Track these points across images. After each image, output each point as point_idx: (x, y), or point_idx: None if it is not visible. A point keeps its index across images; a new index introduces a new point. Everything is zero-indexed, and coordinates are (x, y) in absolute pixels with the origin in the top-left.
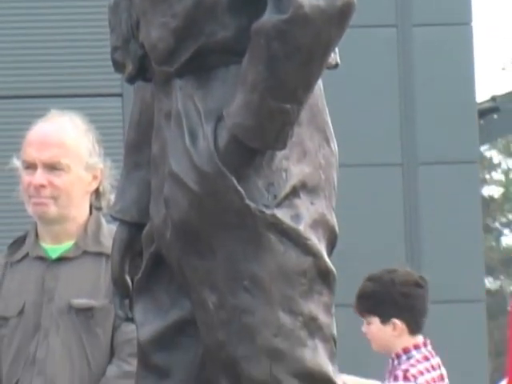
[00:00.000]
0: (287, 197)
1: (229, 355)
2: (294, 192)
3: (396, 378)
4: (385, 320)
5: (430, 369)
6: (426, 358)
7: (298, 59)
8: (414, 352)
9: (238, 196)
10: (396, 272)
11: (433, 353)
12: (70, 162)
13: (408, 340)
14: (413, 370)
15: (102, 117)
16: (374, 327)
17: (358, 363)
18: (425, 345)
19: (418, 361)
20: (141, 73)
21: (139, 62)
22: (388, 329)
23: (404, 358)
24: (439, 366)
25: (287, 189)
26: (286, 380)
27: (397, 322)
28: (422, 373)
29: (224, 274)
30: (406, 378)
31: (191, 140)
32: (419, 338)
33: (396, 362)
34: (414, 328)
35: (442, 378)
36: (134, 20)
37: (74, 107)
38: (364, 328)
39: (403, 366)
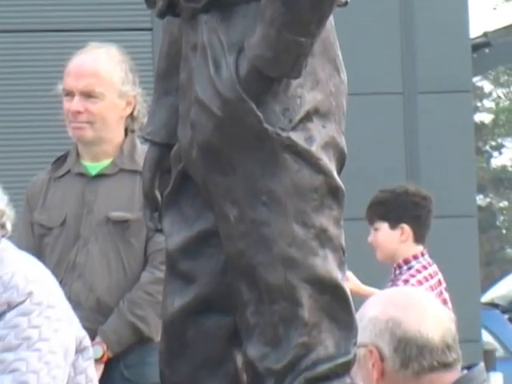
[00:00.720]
0: (301, 121)
1: (248, 263)
2: (308, 116)
3: (391, 283)
4: (394, 225)
5: (429, 277)
6: (425, 268)
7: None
8: (413, 262)
9: (257, 120)
10: (407, 186)
11: (430, 262)
12: (104, 90)
13: (411, 248)
14: (412, 281)
15: (134, 49)
16: (382, 233)
17: (361, 274)
18: (422, 254)
19: (418, 270)
20: (170, 9)
21: None
22: (396, 233)
23: (405, 268)
24: (436, 273)
25: (301, 113)
26: (299, 285)
27: (405, 226)
28: (420, 282)
29: (243, 190)
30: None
31: (215, 69)
32: (420, 248)
33: (398, 272)
34: (418, 237)
35: (439, 283)
36: None
37: (108, 40)
38: (370, 237)
39: (404, 277)
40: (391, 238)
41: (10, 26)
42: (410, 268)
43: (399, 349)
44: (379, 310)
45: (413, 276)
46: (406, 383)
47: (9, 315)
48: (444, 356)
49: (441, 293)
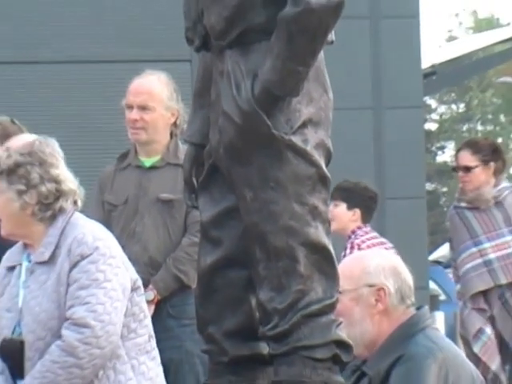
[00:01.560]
0: (299, 128)
1: (260, 232)
2: (304, 125)
3: (345, 249)
4: (350, 207)
5: (370, 238)
6: (366, 233)
7: (306, 38)
8: (358, 231)
9: (267, 127)
10: (367, 184)
11: (371, 230)
12: (155, 105)
13: (357, 225)
14: (357, 241)
15: (177, 75)
16: (340, 210)
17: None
18: (365, 226)
19: (361, 235)
20: (204, 45)
21: (203, 38)
22: (350, 214)
23: (352, 236)
24: (377, 237)
25: (299, 122)
26: (297, 248)
27: (357, 211)
28: (364, 241)
29: (257, 177)
30: (352, 248)
31: (237, 90)
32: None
33: (353, 237)
34: (364, 220)
35: (382, 243)
36: (200, 9)
37: (157, 69)
38: (330, 208)
39: (357, 241)
40: (345, 216)
41: (77, 57)
42: (356, 236)
43: (399, 289)
44: (382, 260)
45: (357, 238)
46: (398, 314)
47: (81, 263)
48: (412, 297)
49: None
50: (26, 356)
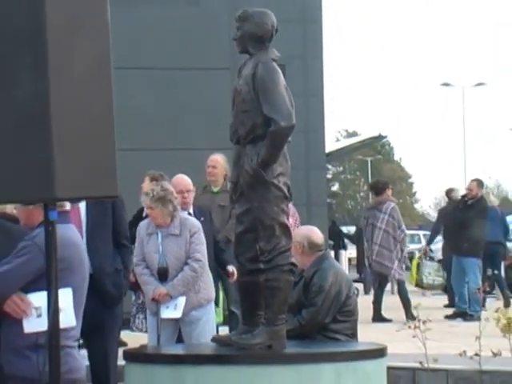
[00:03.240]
0: (277, 176)
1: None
2: (279, 175)
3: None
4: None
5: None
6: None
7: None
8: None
9: (262, 175)
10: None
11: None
12: (219, 168)
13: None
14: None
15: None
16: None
17: None
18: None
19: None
20: (237, 142)
21: (235, 138)
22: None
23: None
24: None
25: (276, 174)
26: (275, 225)
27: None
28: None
29: (259, 196)
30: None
31: (250, 160)
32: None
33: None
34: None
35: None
36: (235, 127)
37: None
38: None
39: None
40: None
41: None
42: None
43: (309, 244)
44: (305, 231)
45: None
46: (312, 254)
47: (195, 235)
48: (322, 246)
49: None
50: (169, 274)
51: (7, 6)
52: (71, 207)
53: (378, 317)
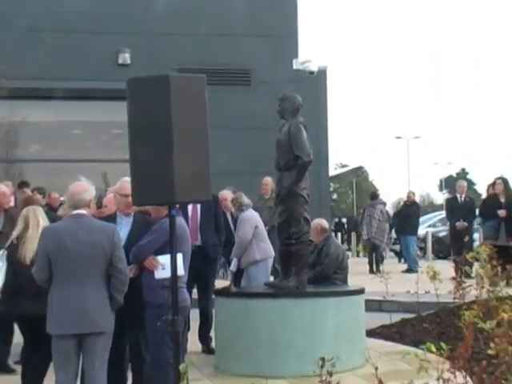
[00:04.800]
0: (302, 190)
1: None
2: (303, 189)
3: None
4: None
5: None
6: None
7: (305, 170)
8: None
9: (295, 191)
10: None
11: None
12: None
13: None
14: None
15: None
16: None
17: None
18: None
19: None
20: (278, 169)
21: (278, 167)
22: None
23: None
24: None
25: (301, 188)
26: (299, 219)
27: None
28: None
29: (291, 205)
30: None
31: (285, 180)
32: None
33: None
34: None
35: None
36: (278, 160)
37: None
38: None
39: None
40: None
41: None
42: None
43: (321, 228)
44: (316, 221)
45: None
46: (320, 236)
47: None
48: (328, 230)
49: None
50: None
51: (152, 103)
52: (193, 205)
53: (371, 270)
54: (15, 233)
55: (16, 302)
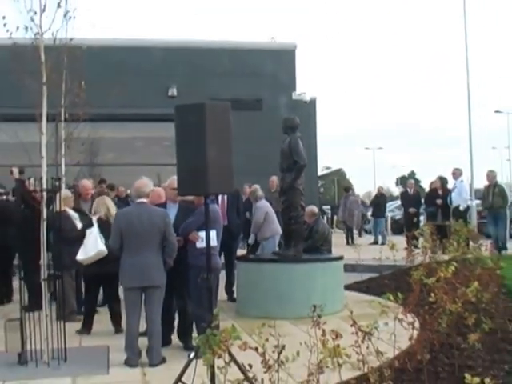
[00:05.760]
0: (299, 185)
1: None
2: (300, 184)
3: None
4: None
5: None
6: None
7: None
8: None
9: (294, 186)
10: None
11: None
12: None
13: None
14: None
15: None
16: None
17: None
18: None
19: None
20: (281, 170)
21: (281, 169)
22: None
23: None
24: None
25: (299, 184)
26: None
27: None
28: None
29: (292, 197)
30: None
31: (288, 178)
32: None
33: None
34: None
35: None
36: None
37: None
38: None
39: None
40: None
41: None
42: None
43: (312, 212)
44: (308, 207)
45: None
46: (311, 218)
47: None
48: (317, 213)
49: None
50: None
51: (192, 122)
52: (221, 196)
53: (347, 243)
54: (102, 212)
55: (100, 265)
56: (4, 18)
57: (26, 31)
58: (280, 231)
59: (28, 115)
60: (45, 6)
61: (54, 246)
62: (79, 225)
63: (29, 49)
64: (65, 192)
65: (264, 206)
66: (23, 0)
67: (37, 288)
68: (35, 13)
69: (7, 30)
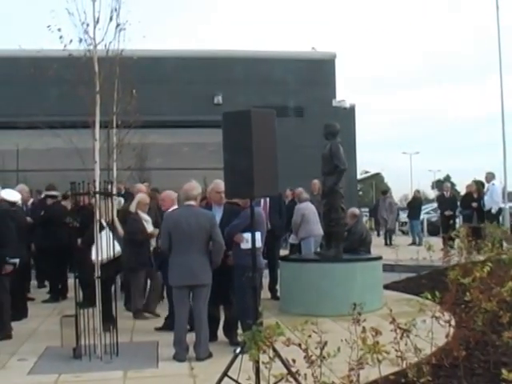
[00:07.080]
0: (340, 188)
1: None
2: (340, 188)
3: None
4: None
5: None
6: None
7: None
8: None
9: (335, 189)
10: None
11: None
12: None
13: None
14: None
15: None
16: None
17: None
18: None
19: None
20: (323, 174)
21: (323, 173)
22: None
23: None
24: None
25: (339, 187)
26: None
27: None
28: None
29: (333, 200)
30: None
31: (329, 182)
32: None
33: None
34: None
35: None
36: (322, 169)
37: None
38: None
39: None
40: None
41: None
42: None
43: (352, 215)
44: (350, 210)
45: None
46: (352, 220)
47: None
48: (358, 215)
49: None
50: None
51: (239, 128)
52: (264, 199)
53: (385, 244)
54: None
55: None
56: (59, 30)
57: (80, 43)
58: (316, 232)
59: (82, 122)
60: (98, 18)
61: (125, 246)
62: (150, 228)
63: (83, 60)
64: (142, 196)
65: (302, 208)
66: (78, 14)
67: (90, 286)
68: (88, 25)
69: (62, 42)
